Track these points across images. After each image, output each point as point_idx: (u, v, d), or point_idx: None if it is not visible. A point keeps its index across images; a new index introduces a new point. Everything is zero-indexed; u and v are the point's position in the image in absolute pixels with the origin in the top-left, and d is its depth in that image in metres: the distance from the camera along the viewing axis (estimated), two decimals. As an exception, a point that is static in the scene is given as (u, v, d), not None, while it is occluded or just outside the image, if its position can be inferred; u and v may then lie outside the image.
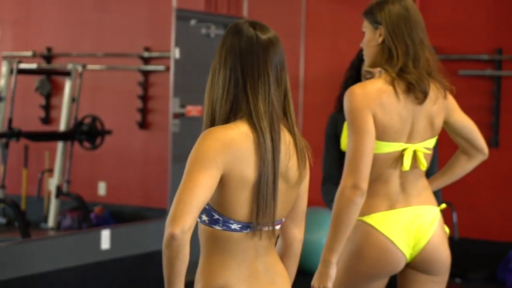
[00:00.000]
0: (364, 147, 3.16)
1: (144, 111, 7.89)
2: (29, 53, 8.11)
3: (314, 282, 3.24)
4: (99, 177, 8.17)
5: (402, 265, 3.33)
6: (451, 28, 7.83)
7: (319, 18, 8.63)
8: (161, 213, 7.21)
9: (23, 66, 7.39)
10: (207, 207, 2.44)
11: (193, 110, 7.42)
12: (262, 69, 2.47)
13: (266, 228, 2.51)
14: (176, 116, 7.36)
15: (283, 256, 2.66)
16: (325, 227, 7.39)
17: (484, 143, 3.47)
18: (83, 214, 7.47)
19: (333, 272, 3.21)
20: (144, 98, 7.88)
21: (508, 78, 7.78)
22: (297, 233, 2.67)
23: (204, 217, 2.45)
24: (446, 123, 3.39)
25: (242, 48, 2.47)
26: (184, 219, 2.30)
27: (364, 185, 3.15)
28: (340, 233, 3.18)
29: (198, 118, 7.28)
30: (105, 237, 6.52)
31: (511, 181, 7.51)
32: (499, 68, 7.79)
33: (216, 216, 2.45)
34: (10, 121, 6.86)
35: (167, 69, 7.33)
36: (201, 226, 2.48)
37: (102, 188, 8.14)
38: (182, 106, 7.42)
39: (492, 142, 7.44)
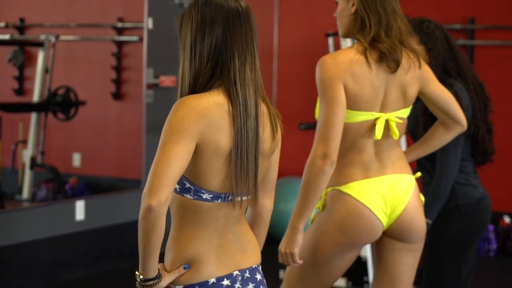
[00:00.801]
0: (335, 117, 3.18)
1: (118, 82, 7.86)
2: (1, 24, 8.04)
3: (281, 246, 3.28)
4: (74, 148, 8.15)
5: (379, 233, 3.35)
6: (425, -3, 7.85)
7: (293, -12, 8.61)
8: (136, 184, 7.22)
9: (-5, 37, 7.34)
10: None
11: (166, 81, 7.40)
12: (249, 37, 2.48)
13: (245, 198, 2.51)
14: (150, 86, 7.36)
15: (253, 225, 2.67)
16: (300, 196, 7.43)
17: (462, 115, 3.48)
18: (58, 185, 7.45)
19: (300, 238, 3.25)
20: (118, 68, 7.85)
21: (480, 47, 7.82)
22: (267, 203, 2.68)
23: (176, 186, 2.44)
24: (421, 93, 3.40)
25: (228, 16, 2.46)
26: (161, 191, 2.29)
27: (334, 155, 3.18)
28: (309, 201, 3.23)
29: (172, 88, 7.27)
30: (80, 208, 6.52)
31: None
32: (472, 37, 7.82)
33: (188, 185, 2.44)
34: (-17, 92, 6.83)
35: (141, 39, 7.31)
36: (173, 195, 2.46)
37: (76, 159, 8.13)
38: (156, 76, 7.41)
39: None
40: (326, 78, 3.21)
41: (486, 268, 7.07)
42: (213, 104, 2.40)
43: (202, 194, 2.44)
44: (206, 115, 2.38)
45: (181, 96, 2.47)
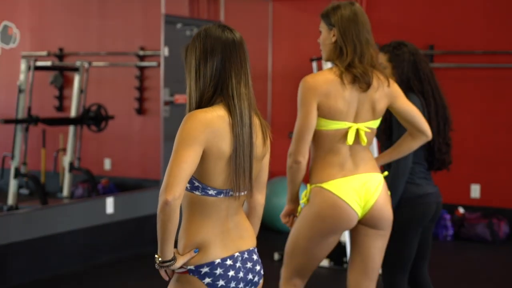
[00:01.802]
0: (306, 126, 3.27)
1: (140, 100, 7.87)
2: (44, 53, 8.05)
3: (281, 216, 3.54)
4: (105, 154, 8.15)
5: (355, 221, 3.35)
6: (393, 27, 7.86)
7: (284, 22, 8.63)
8: (155, 183, 7.22)
9: (39, 63, 7.34)
10: None
11: (180, 98, 7.42)
12: (244, 61, 2.50)
13: (243, 193, 2.53)
14: (166, 103, 7.38)
15: (249, 216, 2.68)
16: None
17: (426, 126, 3.46)
18: (92, 185, 7.45)
19: (287, 207, 3.49)
20: (140, 89, 7.86)
21: (439, 70, 7.83)
22: (260, 198, 2.69)
23: (187, 184, 2.46)
24: (391, 107, 3.40)
25: (226, 44, 2.48)
26: (175, 188, 2.32)
27: (299, 156, 3.31)
28: (289, 184, 3.42)
29: (185, 104, 7.26)
30: (110, 203, 6.52)
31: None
32: (431, 61, 7.83)
33: (197, 184, 2.46)
34: (29, 109, 6.82)
35: (159, 64, 7.32)
36: (184, 192, 2.47)
37: (107, 164, 8.12)
38: (171, 95, 7.43)
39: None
40: (304, 95, 3.26)
41: (444, 250, 7.08)
42: (216, 117, 2.42)
43: (208, 191, 2.46)
44: (211, 125, 2.40)
45: (189, 111, 2.49)
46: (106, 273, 6.08)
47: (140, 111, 7.88)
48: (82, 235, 6.25)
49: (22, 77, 6.82)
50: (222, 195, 2.48)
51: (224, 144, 2.43)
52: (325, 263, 6.11)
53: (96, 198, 6.78)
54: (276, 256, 6.15)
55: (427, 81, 3.79)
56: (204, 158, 2.42)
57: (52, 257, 5.96)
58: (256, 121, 2.54)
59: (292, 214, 3.48)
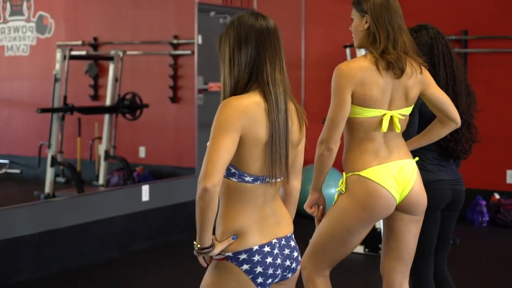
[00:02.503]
0: (338, 115, 3.22)
1: (174, 88, 7.91)
2: (79, 42, 8.12)
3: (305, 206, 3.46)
4: (140, 142, 8.21)
5: (393, 208, 3.32)
6: (425, 13, 7.81)
7: (316, 9, 8.61)
8: (190, 171, 7.25)
9: (74, 53, 7.42)
10: None
11: (214, 86, 7.44)
12: (278, 47, 2.51)
13: (279, 180, 2.54)
14: (200, 91, 7.40)
15: (285, 202, 2.68)
16: (326, 179, 7.42)
17: (455, 114, 3.41)
18: (127, 173, 7.52)
19: (312, 197, 3.43)
20: (174, 77, 7.90)
21: (472, 55, 7.77)
22: (296, 184, 2.70)
23: None
24: (422, 95, 3.38)
25: (260, 32, 2.49)
26: (214, 175, 2.34)
27: (331, 143, 3.25)
28: (317, 174, 3.38)
29: (219, 92, 7.26)
30: (145, 191, 6.57)
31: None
32: (465, 46, 7.77)
33: (233, 170, 2.47)
34: (65, 98, 6.90)
35: (192, 53, 7.34)
36: None
37: (142, 152, 8.19)
38: (205, 83, 7.46)
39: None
40: (338, 83, 3.22)
41: (480, 236, 7.04)
42: (252, 103, 2.43)
43: (245, 177, 2.47)
44: (247, 112, 2.41)
45: (224, 98, 2.50)
46: (142, 260, 6.13)
47: (174, 99, 7.92)
48: (118, 222, 6.31)
49: (57, 66, 6.90)
50: (258, 182, 2.49)
51: (261, 130, 2.44)
52: (360, 249, 6.11)
53: (132, 186, 6.83)
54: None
55: (443, 66, 3.72)
56: (240, 145, 2.42)
57: (89, 245, 6.03)
58: (291, 107, 2.55)
59: (317, 203, 3.45)
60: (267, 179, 2.50)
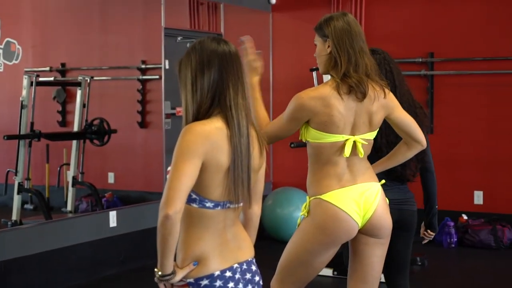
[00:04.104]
0: (282, 130, 3.34)
1: (143, 113, 7.88)
2: (47, 68, 8.08)
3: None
4: (108, 168, 8.16)
5: (355, 232, 3.32)
6: (392, 36, 7.88)
7: (284, 32, 8.66)
8: (159, 196, 7.15)
9: (41, 79, 7.37)
10: None
11: (181, 111, 7.43)
12: (240, 72, 2.51)
13: (241, 204, 2.53)
14: (168, 116, 7.39)
15: (246, 227, 2.67)
16: (294, 203, 7.44)
17: (421, 136, 3.42)
18: (96, 199, 7.46)
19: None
20: (142, 102, 7.87)
21: (438, 77, 7.85)
22: (257, 209, 2.68)
23: None
24: (388, 118, 3.38)
25: (222, 56, 2.49)
26: (176, 202, 2.33)
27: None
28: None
29: (186, 117, 7.28)
30: (113, 217, 6.53)
31: (444, 161, 7.57)
32: (432, 68, 7.85)
33: (194, 196, 2.46)
34: (32, 124, 6.84)
35: (160, 77, 7.34)
36: None
37: (111, 177, 8.14)
38: (173, 107, 7.44)
39: (428, 130, 7.49)
40: (294, 110, 3.25)
41: (449, 257, 7.07)
42: (214, 129, 2.43)
43: (205, 203, 2.46)
44: (209, 138, 2.41)
45: (186, 123, 2.49)
46: (112, 286, 6.08)
47: (143, 124, 7.90)
48: (87, 249, 6.26)
49: (24, 92, 6.85)
50: (219, 208, 2.48)
51: (223, 156, 2.43)
52: (328, 272, 6.11)
53: (99, 212, 6.79)
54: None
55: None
56: (202, 171, 2.41)
57: (57, 272, 5.97)
58: (252, 132, 2.55)
59: None
60: (228, 205, 2.49)
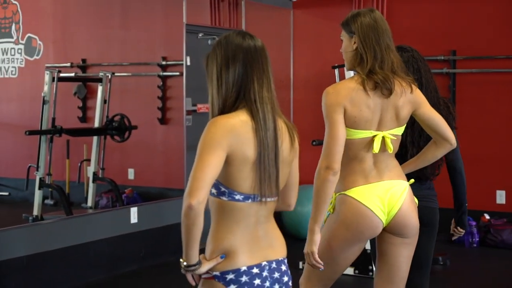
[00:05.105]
0: (336, 136, 3.17)
1: (163, 109, 7.89)
2: (67, 64, 8.11)
3: (304, 248, 3.26)
4: (128, 164, 8.18)
5: (379, 229, 3.31)
6: (414, 33, 7.84)
7: (305, 29, 8.63)
8: (179, 193, 7.21)
9: (63, 75, 7.39)
10: (216, 182, 2.45)
11: (202, 108, 7.43)
12: (265, 66, 2.51)
13: (269, 199, 2.51)
14: (189, 113, 7.38)
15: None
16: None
17: (450, 134, 3.36)
18: (116, 195, 7.48)
19: (317, 238, 3.23)
20: (163, 98, 7.88)
21: (461, 75, 7.80)
22: (292, 202, 2.69)
23: (214, 190, 2.47)
24: (414, 114, 3.34)
25: (247, 50, 2.50)
26: (199, 192, 2.33)
27: (336, 166, 3.16)
28: (320, 206, 3.20)
29: (207, 114, 7.25)
30: (134, 213, 6.54)
31: (466, 160, 7.50)
32: (454, 67, 7.80)
33: (223, 189, 2.46)
34: (53, 120, 6.86)
35: (181, 74, 7.33)
36: (211, 198, 2.48)
37: (131, 173, 8.16)
38: (194, 104, 7.44)
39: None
40: (329, 105, 3.20)
41: (470, 257, 7.03)
42: (239, 122, 2.43)
43: (235, 196, 2.45)
44: (233, 130, 2.41)
45: (212, 117, 2.50)
46: (131, 283, 6.09)
47: (163, 120, 7.90)
48: (107, 245, 6.27)
49: (46, 88, 6.87)
50: (249, 200, 2.47)
51: (248, 148, 2.43)
52: (350, 271, 6.08)
53: (120, 208, 6.80)
54: (301, 264, 6.13)
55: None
56: (229, 163, 2.42)
57: (77, 267, 5.99)
58: (281, 125, 2.54)
59: (316, 245, 3.25)
60: (258, 198, 2.48)
